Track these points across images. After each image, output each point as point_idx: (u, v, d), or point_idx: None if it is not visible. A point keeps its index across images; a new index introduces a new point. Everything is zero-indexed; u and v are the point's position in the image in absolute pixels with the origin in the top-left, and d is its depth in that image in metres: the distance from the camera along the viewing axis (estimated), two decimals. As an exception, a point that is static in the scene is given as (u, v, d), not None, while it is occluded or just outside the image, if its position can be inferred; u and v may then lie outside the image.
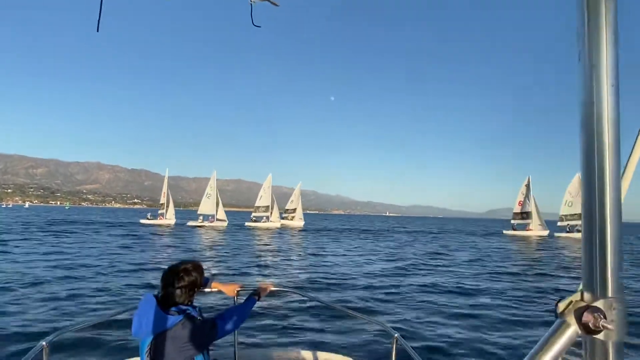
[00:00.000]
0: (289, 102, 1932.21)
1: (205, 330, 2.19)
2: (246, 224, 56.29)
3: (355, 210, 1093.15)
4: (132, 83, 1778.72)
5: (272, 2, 1.41)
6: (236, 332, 2.69)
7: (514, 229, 59.30)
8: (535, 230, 55.96)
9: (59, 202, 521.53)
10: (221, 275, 15.04)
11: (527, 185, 59.62)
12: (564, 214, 55.65)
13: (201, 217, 60.48)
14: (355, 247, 30.09)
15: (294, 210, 62.85)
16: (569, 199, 55.42)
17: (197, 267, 2.35)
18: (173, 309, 2.17)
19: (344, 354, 3.50)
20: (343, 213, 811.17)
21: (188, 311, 2.19)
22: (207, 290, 2.66)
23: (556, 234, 53.41)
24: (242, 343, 3.09)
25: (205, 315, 2.34)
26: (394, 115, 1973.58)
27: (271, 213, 55.38)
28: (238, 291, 2.81)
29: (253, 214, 56.77)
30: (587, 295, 0.66)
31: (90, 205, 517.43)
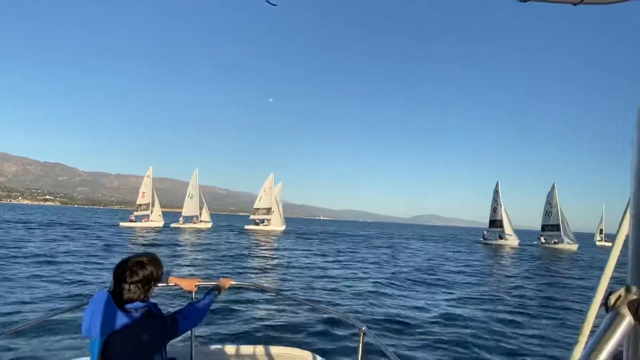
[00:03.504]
0: (223, 102, 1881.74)
1: (167, 328, 2.08)
2: (245, 227, 52.91)
3: (290, 213, 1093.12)
4: (47, 67, 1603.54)
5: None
6: (193, 329, 2.59)
7: (485, 238, 57.11)
8: (507, 239, 53.64)
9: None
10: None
11: (497, 191, 57.22)
12: (544, 224, 56.50)
13: (182, 219, 56.42)
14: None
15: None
16: (549, 209, 57.00)
17: (153, 260, 2.17)
18: (129, 305, 2.01)
19: (304, 348, 3.47)
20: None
21: (146, 308, 2.04)
22: (164, 285, 2.49)
23: (534, 243, 55.61)
24: (199, 339, 3.11)
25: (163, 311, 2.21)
26: (328, 119, 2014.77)
27: (272, 215, 52.69)
28: (197, 286, 2.69)
29: (252, 216, 53.60)
30: (635, 289, 0.68)
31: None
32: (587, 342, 0.69)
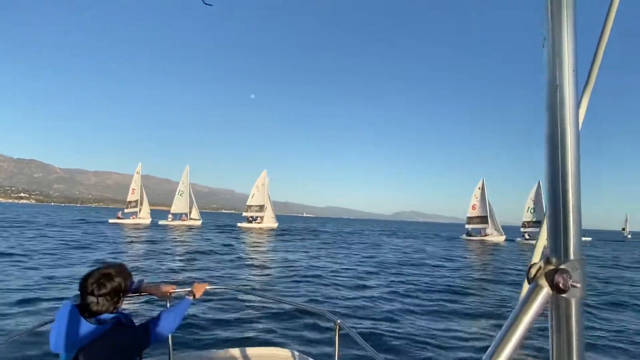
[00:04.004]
0: (204, 100, 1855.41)
1: (139, 337, 2.03)
2: (238, 224, 52.63)
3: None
4: (26, 63, 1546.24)
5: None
6: (171, 335, 2.59)
7: (469, 235, 57.22)
8: (492, 236, 54.34)
9: None
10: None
11: (481, 188, 57.84)
12: (526, 220, 56.91)
13: (171, 216, 55.69)
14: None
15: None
16: (531, 206, 57.78)
17: (121, 271, 2.10)
18: (97, 317, 1.95)
19: (283, 347, 3.51)
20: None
21: (116, 319, 1.98)
22: (136, 295, 2.46)
23: (518, 239, 54.62)
24: (177, 347, 2.97)
25: (135, 321, 2.15)
26: (312, 117, 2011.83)
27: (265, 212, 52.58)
28: (171, 293, 2.62)
29: (245, 214, 53.31)
30: (554, 260, 0.71)
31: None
32: None
